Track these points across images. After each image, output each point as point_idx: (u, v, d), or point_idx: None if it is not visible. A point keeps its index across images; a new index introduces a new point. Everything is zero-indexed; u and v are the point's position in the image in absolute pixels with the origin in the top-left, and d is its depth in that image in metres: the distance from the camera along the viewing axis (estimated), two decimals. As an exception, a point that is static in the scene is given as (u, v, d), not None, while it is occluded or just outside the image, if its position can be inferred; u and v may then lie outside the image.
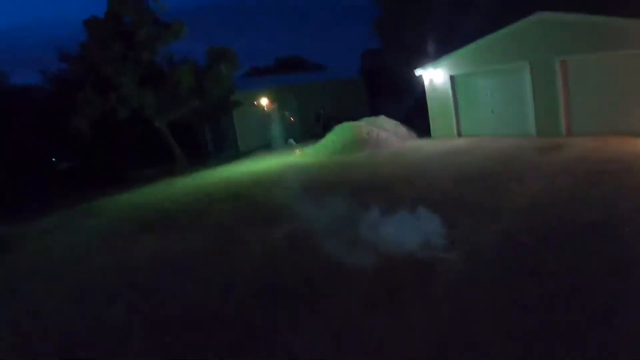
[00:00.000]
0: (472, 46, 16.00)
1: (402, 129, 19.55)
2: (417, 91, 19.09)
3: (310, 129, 26.00)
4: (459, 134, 17.22)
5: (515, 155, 12.24)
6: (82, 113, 18.52)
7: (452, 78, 17.03)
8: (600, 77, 13.04)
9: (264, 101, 25.66)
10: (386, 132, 18.69)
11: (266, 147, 24.12)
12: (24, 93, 25.51)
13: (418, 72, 17.98)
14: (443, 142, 16.59)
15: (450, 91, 17.16)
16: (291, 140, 24.48)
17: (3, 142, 22.20)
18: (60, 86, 21.13)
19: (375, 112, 22.91)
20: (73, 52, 19.64)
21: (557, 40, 13.56)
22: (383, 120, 19.95)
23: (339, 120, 21.64)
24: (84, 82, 18.68)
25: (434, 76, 17.52)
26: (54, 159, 28.80)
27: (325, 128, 24.16)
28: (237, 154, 24.02)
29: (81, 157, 26.97)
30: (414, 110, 21.23)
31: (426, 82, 17.86)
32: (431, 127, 18.16)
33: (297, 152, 20.14)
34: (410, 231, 6.84)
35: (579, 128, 13.71)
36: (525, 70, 14.58)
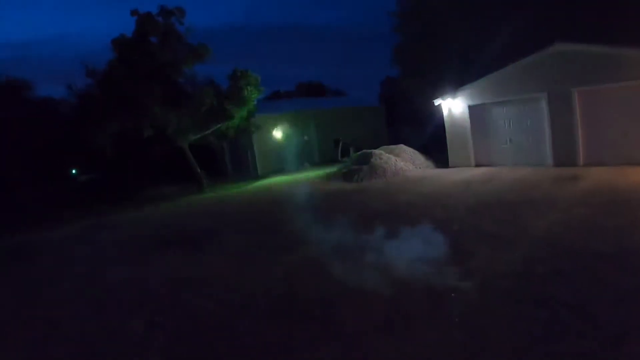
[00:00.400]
0: (490, 77, 16.20)
1: (420, 158, 19.67)
2: (436, 120, 19.26)
3: (328, 155, 26.26)
4: (477, 164, 17.27)
5: (532, 185, 12.23)
6: (105, 129, 19.02)
7: (470, 108, 17.17)
8: (618, 107, 13.13)
9: (284, 126, 26.09)
10: (404, 160, 18.83)
11: (284, 169, 24.41)
12: (49, 105, 26.31)
13: (437, 101, 18.17)
14: (460, 171, 16.65)
15: (468, 121, 17.30)
16: (307, 164, 24.76)
17: (26, 152, 22.88)
18: (85, 101, 21.70)
19: (394, 140, 23.10)
20: (100, 66, 20.21)
21: (574, 71, 13.70)
22: (401, 148, 20.11)
23: (358, 148, 21.86)
24: (109, 98, 19.19)
25: (452, 106, 17.70)
26: (74, 171, 29.49)
27: (344, 154, 24.43)
28: (255, 175, 24.33)
29: (102, 171, 27.58)
30: (432, 139, 21.38)
31: (445, 112, 18.02)
32: (449, 156, 18.25)
33: (314, 176, 20.32)
34: (426, 259, 6.90)
35: (596, 158, 13.72)
36: (543, 100, 14.69)
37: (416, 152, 20.11)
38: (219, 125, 21.19)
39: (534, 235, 7.77)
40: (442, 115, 18.18)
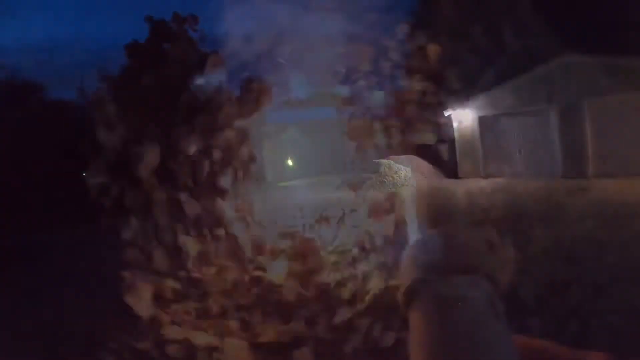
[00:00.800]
0: (500, 88, 16.19)
1: (429, 168, 19.54)
2: (445, 130, 19.16)
3: (338, 163, 26.18)
4: (486, 175, 17.17)
5: (541, 197, 12.14)
6: (114, 131, 19.13)
7: (480, 119, 17.12)
8: (628, 118, 13.04)
9: (294, 134, 26.20)
10: (412, 170, 18.71)
11: (293, 177, 24.44)
12: (60, 108, 26.49)
13: (447, 112, 18.12)
14: (469, 182, 16.52)
15: (477, 132, 17.25)
16: (316, 172, 24.78)
17: (35, 155, 23.07)
18: (96, 104, 21.82)
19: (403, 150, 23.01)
20: (112, 69, 20.37)
21: (584, 82, 13.66)
22: (410, 158, 19.90)
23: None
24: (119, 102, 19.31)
25: (462, 117, 17.64)
26: (84, 174, 29.61)
27: (354, 163, 24.39)
28: (264, 183, 24.33)
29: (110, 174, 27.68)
30: (441, 149, 21.26)
31: (455, 122, 17.97)
32: (458, 167, 18.15)
33: (322, 184, 20.32)
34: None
35: (605, 170, 13.59)
36: (552, 111, 14.65)
37: (425, 162, 19.96)
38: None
39: (541, 247, 7.69)
40: (452, 125, 18.13)
